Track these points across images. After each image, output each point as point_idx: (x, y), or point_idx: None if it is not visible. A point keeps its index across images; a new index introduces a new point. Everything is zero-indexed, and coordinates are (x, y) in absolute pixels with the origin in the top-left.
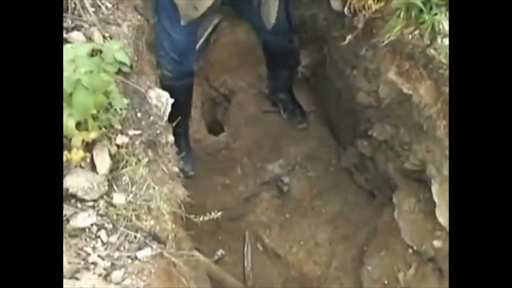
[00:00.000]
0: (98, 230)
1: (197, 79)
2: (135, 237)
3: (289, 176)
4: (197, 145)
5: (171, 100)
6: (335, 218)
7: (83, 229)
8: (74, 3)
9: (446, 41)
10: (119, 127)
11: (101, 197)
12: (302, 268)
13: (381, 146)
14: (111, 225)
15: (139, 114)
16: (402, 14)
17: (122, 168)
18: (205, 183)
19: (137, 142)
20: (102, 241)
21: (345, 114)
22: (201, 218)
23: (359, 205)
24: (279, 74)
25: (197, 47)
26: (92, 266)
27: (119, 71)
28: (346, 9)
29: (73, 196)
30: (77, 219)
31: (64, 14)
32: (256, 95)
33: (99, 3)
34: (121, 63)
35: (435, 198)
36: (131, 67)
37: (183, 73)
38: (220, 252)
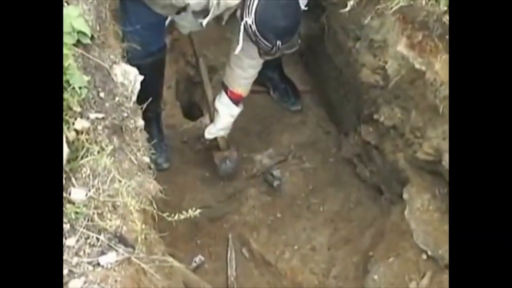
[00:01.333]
0: None
1: (172, 55)
2: (98, 239)
3: (281, 169)
4: (172, 132)
5: (140, 77)
6: (335, 218)
7: None
8: None
9: None
10: (78, 109)
11: None
12: (296, 277)
13: (389, 132)
14: (68, 226)
15: (102, 94)
16: None
17: (82, 157)
18: (181, 176)
19: (99, 127)
20: None
21: (347, 95)
22: (176, 217)
23: (363, 202)
24: None
25: (168, 20)
26: None
27: (78, 43)
28: None
29: None
30: None
31: None
32: None
33: None
34: (80, 33)
35: None
36: (92, 38)
37: (151, 50)
38: (198, 258)
